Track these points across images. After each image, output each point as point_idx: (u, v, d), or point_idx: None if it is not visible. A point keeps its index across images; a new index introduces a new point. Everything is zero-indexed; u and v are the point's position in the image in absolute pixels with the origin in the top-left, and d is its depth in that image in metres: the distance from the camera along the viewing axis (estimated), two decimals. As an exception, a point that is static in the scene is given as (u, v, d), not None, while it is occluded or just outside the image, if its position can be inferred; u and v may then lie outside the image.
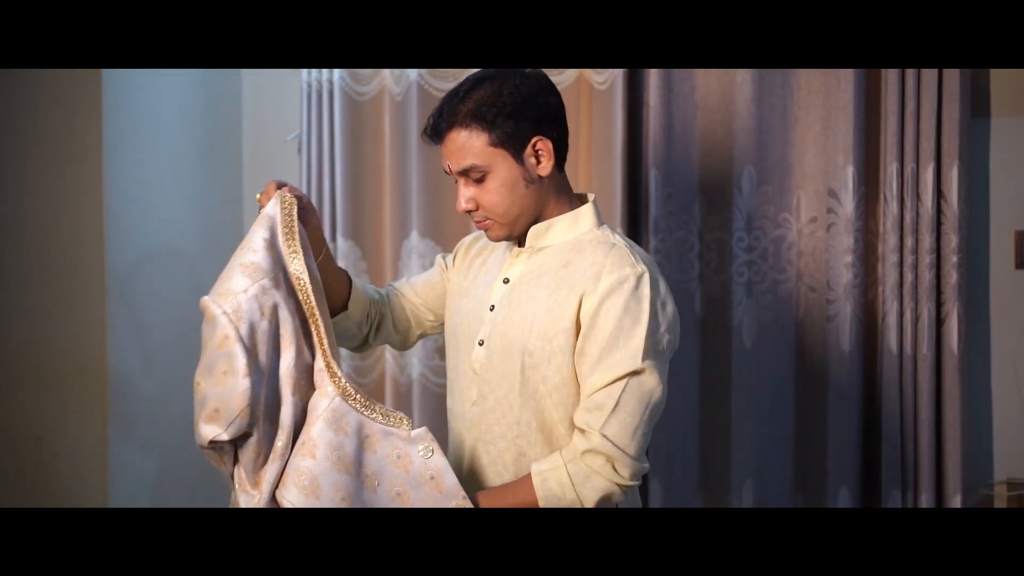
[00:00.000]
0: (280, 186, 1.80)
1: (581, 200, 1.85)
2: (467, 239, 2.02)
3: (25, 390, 2.69)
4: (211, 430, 1.59)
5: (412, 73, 2.87)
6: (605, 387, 1.66)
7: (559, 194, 1.81)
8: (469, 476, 1.81)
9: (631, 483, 1.68)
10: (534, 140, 1.74)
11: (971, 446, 2.56)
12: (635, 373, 1.66)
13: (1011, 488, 2.55)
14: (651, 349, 1.68)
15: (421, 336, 2.07)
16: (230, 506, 1.70)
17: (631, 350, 1.66)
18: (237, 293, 1.61)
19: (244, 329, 1.59)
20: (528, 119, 1.73)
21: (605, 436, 1.65)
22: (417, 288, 2.03)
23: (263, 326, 1.61)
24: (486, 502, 1.70)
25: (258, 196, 1.82)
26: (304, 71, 2.99)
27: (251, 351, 1.59)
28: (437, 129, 1.76)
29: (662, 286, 1.74)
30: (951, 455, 2.52)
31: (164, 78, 2.84)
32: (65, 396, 2.67)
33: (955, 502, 2.50)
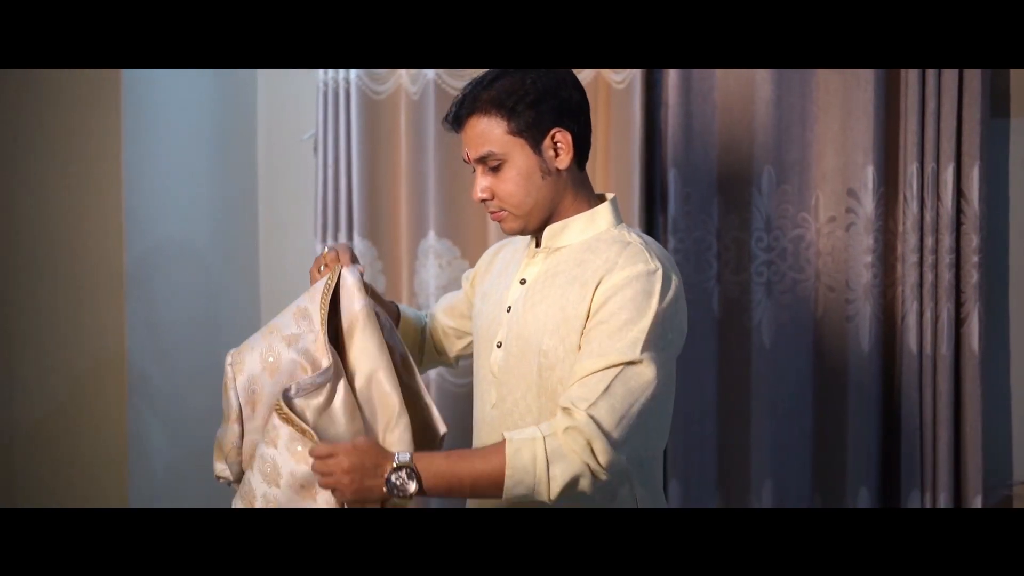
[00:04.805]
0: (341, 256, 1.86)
1: (601, 200, 1.84)
2: (489, 250, 2.04)
3: (43, 388, 2.70)
4: (218, 467, 1.82)
5: (429, 72, 2.87)
6: (598, 371, 1.62)
7: (577, 191, 1.80)
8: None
9: (605, 473, 1.60)
10: (553, 131, 1.74)
11: (991, 446, 2.55)
12: (630, 363, 1.62)
13: (1031, 488, 2.54)
14: (652, 342, 1.64)
15: (460, 356, 2.10)
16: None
17: (629, 340, 1.62)
18: (244, 349, 1.78)
19: (241, 381, 1.75)
20: (549, 110, 1.73)
21: (591, 416, 1.58)
22: (445, 310, 2.08)
23: (264, 379, 1.75)
24: (448, 462, 1.62)
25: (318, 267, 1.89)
26: (320, 69, 2.99)
27: (246, 400, 1.75)
28: (458, 116, 1.77)
29: (674, 283, 1.71)
30: (971, 455, 2.51)
31: (181, 78, 2.85)
32: (83, 394, 2.68)
33: (975, 502, 2.50)
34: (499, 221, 1.80)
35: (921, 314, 2.53)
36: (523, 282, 1.81)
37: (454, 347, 2.08)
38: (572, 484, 1.59)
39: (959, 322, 2.52)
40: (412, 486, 1.59)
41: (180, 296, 2.88)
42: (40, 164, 2.67)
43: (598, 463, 1.58)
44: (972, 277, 2.49)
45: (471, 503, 1.88)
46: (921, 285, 2.53)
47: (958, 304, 2.52)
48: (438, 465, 1.61)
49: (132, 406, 2.66)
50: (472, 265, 2.87)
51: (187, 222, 2.92)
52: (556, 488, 1.59)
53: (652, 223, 2.75)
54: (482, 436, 1.84)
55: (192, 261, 2.94)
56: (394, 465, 1.59)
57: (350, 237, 2.99)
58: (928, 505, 2.53)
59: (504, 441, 1.61)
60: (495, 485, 1.59)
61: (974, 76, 2.47)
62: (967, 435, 2.52)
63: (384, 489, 1.59)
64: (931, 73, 2.49)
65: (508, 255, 1.95)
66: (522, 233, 1.82)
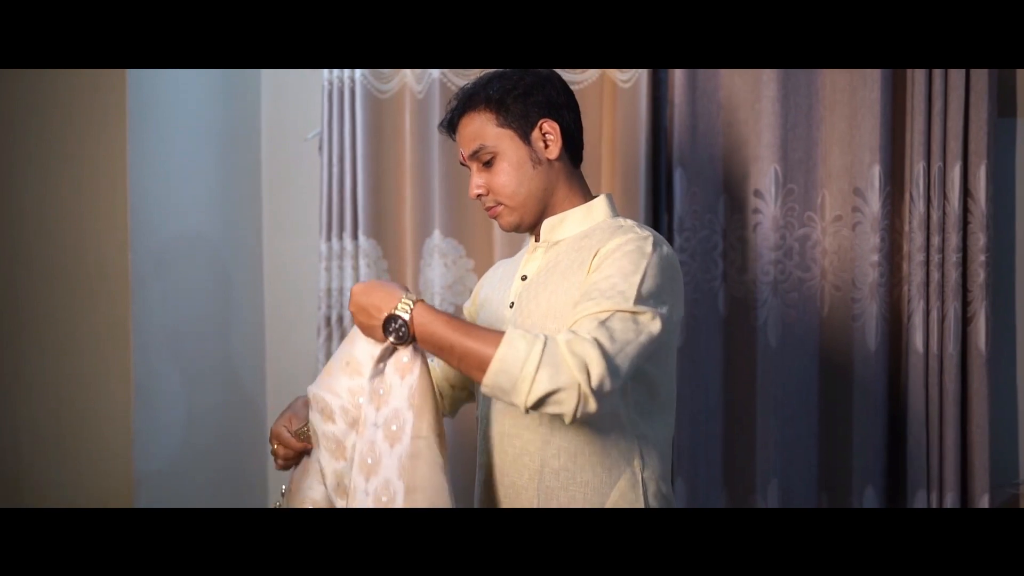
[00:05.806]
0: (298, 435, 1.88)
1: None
2: (488, 272, 2.07)
3: (49, 386, 2.70)
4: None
5: (434, 71, 2.87)
6: (593, 313, 1.60)
7: (570, 185, 1.84)
8: (495, 471, 1.81)
9: (593, 400, 1.53)
10: (541, 122, 1.80)
11: (997, 445, 2.55)
12: (624, 311, 1.60)
13: (1038, 488, 2.54)
14: (646, 298, 1.63)
15: None
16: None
17: (622, 291, 1.61)
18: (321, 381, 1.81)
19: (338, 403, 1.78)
20: (536, 103, 1.80)
21: (595, 338, 1.55)
22: None
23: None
24: (449, 324, 1.61)
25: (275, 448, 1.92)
26: (325, 69, 2.99)
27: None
28: (451, 120, 1.85)
29: (667, 249, 1.72)
30: (977, 454, 2.51)
31: (186, 77, 2.85)
32: (89, 392, 2.68)
33: (981, 502, 2.49)
34: (495, 217, 1.85)
35: (927, 313, 2.53)
36: (524, 278, 1.84)
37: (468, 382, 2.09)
38: (552, 395, 1.53)
39: (966, 321, 2.52)
40: (406, 315, 1.61)
41: (185, 295, 2.89)
42: (45, 164, 2.67)
43: (589, 385, 1.52)
44: (979, 276, 2.49)
45: (474, 502, 1.88)
46: (927, 284, 2.53)
47: (965, 303, 2.52)
48: (439, 319, 1.61)
49: (138, 405, 2.66)
50: (476, 265, 2.88)
51: (192, 221, 2.92)
52: (536, 393, 1.52)
53: (658, 222, 2.75)
54: (485, 430, 1.85)
55: (196, 260, 2.94)
56: (395, 309, 1.62)
57: (355, 236, 2.99)
58: (934, 504, 2.53)
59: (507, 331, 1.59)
60: (479, 367, 1.57)
61: (981, 75, 2.47)
62: (973, 434, 2.51)
63: (382, 330, 1.64)
64: (938, 72, 2.49)
65: (507, 265, 1.99)
66: (518, 229, 1.86)
